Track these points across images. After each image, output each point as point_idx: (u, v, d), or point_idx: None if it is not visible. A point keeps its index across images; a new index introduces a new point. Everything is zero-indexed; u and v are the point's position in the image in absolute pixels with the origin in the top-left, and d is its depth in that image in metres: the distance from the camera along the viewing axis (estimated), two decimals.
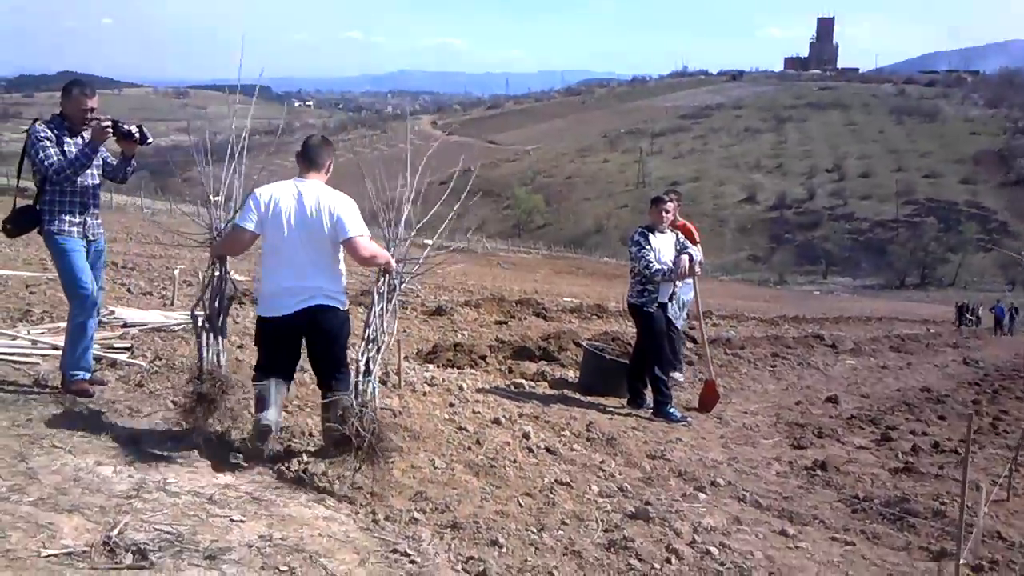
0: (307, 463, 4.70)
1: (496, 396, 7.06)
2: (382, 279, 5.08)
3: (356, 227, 4.79)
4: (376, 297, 5.08)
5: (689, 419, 7.32)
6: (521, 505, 4.62)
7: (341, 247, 4.87)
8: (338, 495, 4.37)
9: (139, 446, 4.53)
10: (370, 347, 4.95)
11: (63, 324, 6.64)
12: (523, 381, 7.82)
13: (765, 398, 9.14)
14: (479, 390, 7.15)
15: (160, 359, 6.63)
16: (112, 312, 8.12)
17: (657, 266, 7.28)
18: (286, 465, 4.67)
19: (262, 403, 4.70)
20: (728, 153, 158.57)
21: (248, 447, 4.83)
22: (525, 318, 14.53)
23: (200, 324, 5.09)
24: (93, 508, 3.67)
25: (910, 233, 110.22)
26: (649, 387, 7.51)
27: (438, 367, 8.02)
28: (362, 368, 4.86)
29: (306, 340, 4.97)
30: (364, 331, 4.99)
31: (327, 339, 4.90)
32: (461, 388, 7.01)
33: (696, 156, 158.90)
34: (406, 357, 8.49)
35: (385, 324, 5.05)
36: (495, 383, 7.68)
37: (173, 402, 5.45)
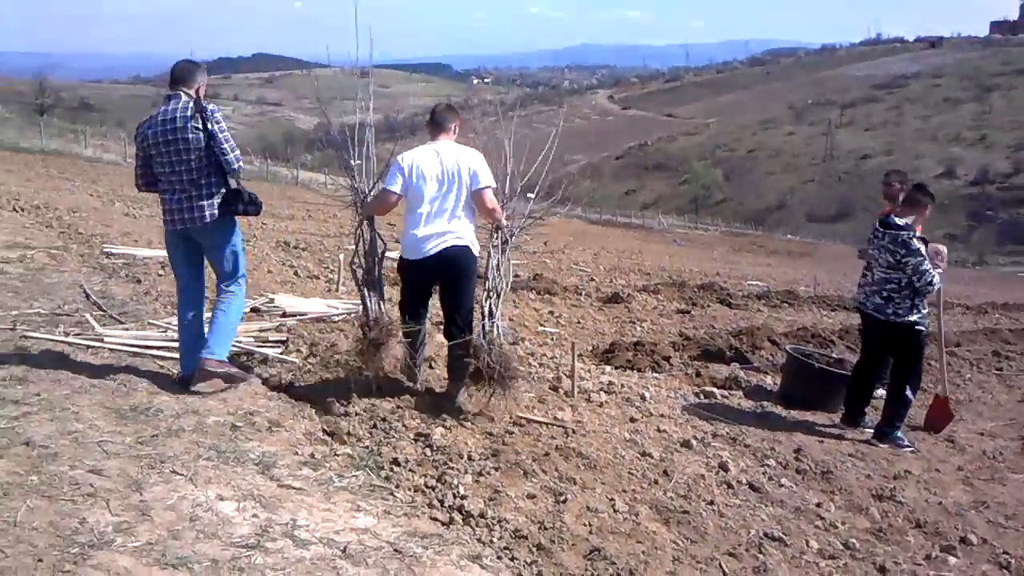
0: (463, 497, 3.96)
1: (684, 409, 6.13)
2: (495, 234, 5.70)
3: (487, 179, 5.39)
4: (492, 250, 5.66)
5: (918, 445, 6.13)
6: (724, 571, 3.69)
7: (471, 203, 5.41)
8: (497, 548, 3.58)
9: (271, 472, 3.90)
10: (491, 294, 5.48)
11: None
12: (714, 389, 6.82)
13: (999, 412, 7.72)
14: (664, 400, 6.24)
15: (315, 355, 6.08)
16: (272, 300, 7.71)
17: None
18: (439, 498, 3.96)
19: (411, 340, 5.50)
20: (925, 125, 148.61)
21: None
22: (709, 305, 13.42)
23: (360, 278, 5.72)
24: (204, 561, 3.04)
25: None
26: (868, 405, 6.43)
27: (616, 368, 7.15)
28: (486, 312, 5.39)
29: (440, 281, 5.51)
30: (485, 282, 5.54)
31: (458, 275, 5.39)
32: (643, 398, 6.12)
33: (889, 128, 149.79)
34: (580, 355, 7.69)
35: (502, 273, 5.60)
36: (682, 391, 6.73)
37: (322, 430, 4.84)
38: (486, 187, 5.35)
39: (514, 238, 5.75)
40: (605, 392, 6.14)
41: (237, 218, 5.35)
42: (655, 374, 7.16)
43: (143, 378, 5.14)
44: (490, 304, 5.41)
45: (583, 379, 6.45)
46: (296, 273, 10.16)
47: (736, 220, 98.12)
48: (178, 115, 5.00)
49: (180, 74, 5.15)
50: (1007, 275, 79.31)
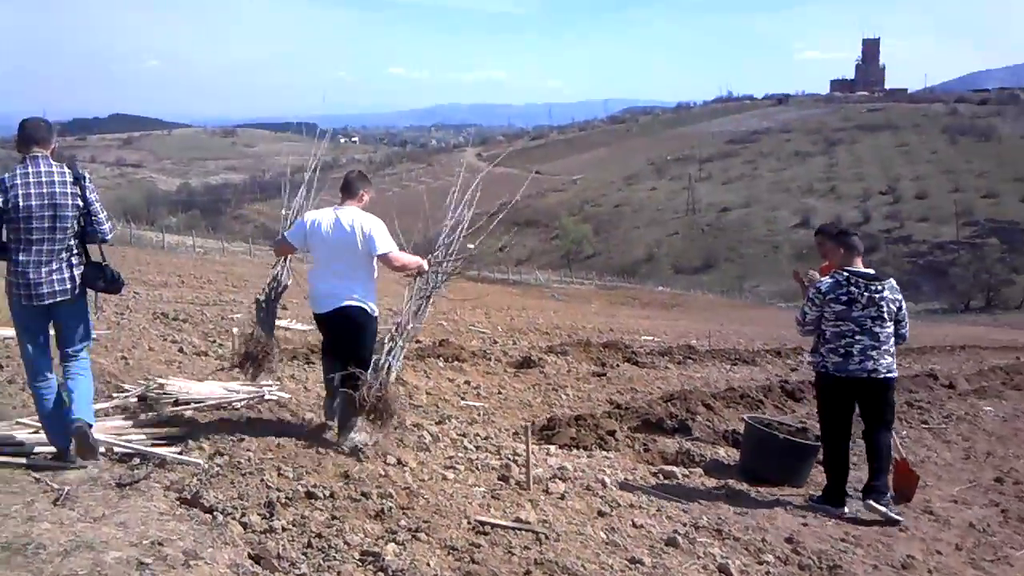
0: None
1: (650, 496, 5.48)
2: (416, 280, 6.17)
3: (385, 244, 5.74)
4: (408, 293, 6.17)
5: (902, 517, 5.67)
6: None
7: (374, 262, 5.82)
8: None
9: None
10: (398, 337, 5.94)
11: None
12: (674, 468, 6.18)
13: (954, 473, 7.36)
14: (625, 486, 5.57)
15: (221, 454, 5.15)
16: (161, 386, 6.69)
17: None
18: None
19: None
20: (779, 178, 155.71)
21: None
22: (618, 365, 12.97)
23: (259, 303, 6.51)
24: None
25: (972, 255, 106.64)
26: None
27: (561, 448, 6.46)
28: (386, 347, 5.85)
29: (338, 335, 5.88)
30: (397, 325, 6.00)
31: (353, 334, 5.75)
32: (603, 484, 5.44)
33: (746, 181, 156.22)
34: (517, 434, 6.97)
35: (418, 319, 6.13)
36: (637, 471, 6.09)
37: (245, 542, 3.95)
38: (385, 252, 5.74)
39: (444, 283, 6.29)
40: (560, 479, 5.44)
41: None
42: (604, 452, 6.50)
43: (15, 497, 4.15)
44: (394, 346, 5.91)
45: (533, 466, 5.74)
46: (181, 350, 9.08)
47: (608, 273, 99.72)
48: (55, 179, 4.70)
49: (37, 133, 4.82)
50: None
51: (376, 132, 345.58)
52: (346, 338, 5.77)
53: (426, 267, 6.07)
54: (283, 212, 6.75)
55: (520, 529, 4.35)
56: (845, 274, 5.85)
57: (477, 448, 6.14)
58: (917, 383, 15.04)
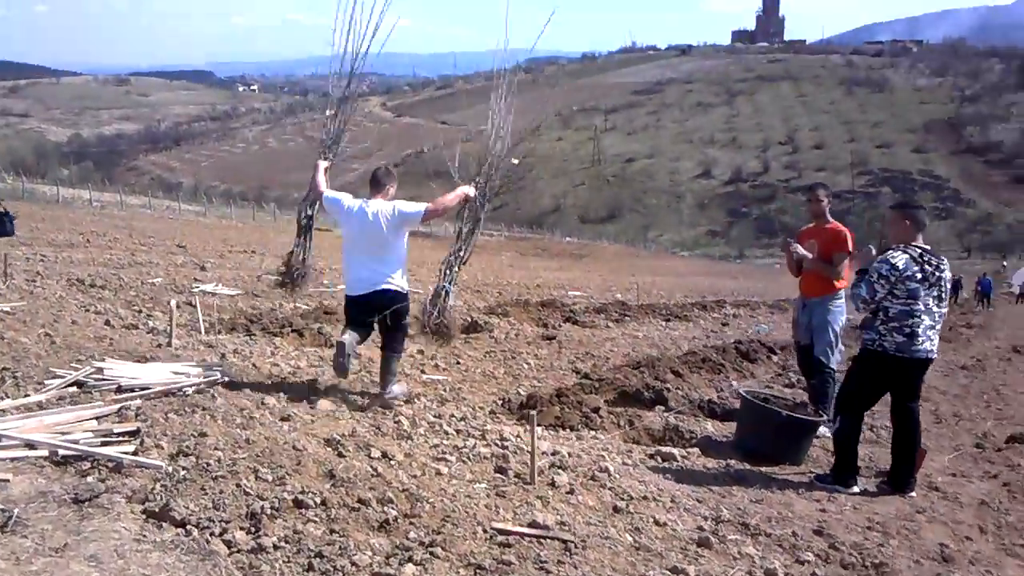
0: None
1: (657, 481, 5.10)
2: (464, 211, 6.65)
3: (416, 206, 6.18)
4: (459, 222, 6.70)
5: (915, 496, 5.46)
6: None
7: (404, 241, 6.30)
8: None
9: None
10: (453, 263, 6.61)
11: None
12: (672, 450, 5.79)
13: (931, 439, 7.14)
14: (628, 473, 5.17)
15: (185, 453, 4.54)
16: (99, 369, 5.98)
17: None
18: None
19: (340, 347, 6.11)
20: (682, 128, 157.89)
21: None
22: (560, 325, 12.67)
23: (299, 224, 7.18)
24: None
25: (866, 203, 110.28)
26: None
27: (547, 429, 6.02)
28: (443, 274, 6.57)
29: (375, 316, 6.20)
30: (450, 249, 6.68)
31: (390, 315, 6.16)
32: (607, 472, 5.02)
33: (650, 132, 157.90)
34: (493, 412, 6.52)
35: (469, 243, 6.70)
36: (634, 454, 5.68)
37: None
38: (423, 210, 6.19)
39: (487, 206, 6.86)
40: (560, 468, 5.00)
41: None
42: (591, 432, 6.09)
43: None
44: (450, 271, 6.62)
45: (523, 450, 5.30)
46: (108, 322, 8.28)
47: (516, 224, 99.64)
48: None
49: None
50: (765, 267, 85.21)
51: (276, 80, 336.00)
52: (383, 321, 6.19)
53: (472, 192, 6.58)
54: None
55: (545, 538, 3.90)
56: (919, 250, 5.46)
57: (458, 433, 5.65)
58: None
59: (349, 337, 6.09)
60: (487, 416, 6.29)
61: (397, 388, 6.33)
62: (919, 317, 5.35)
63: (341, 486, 4.32)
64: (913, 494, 5.47)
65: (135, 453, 4.57)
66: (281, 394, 6.14)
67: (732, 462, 5.77)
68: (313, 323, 9.45)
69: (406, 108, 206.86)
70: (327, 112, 7.53)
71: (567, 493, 4.60)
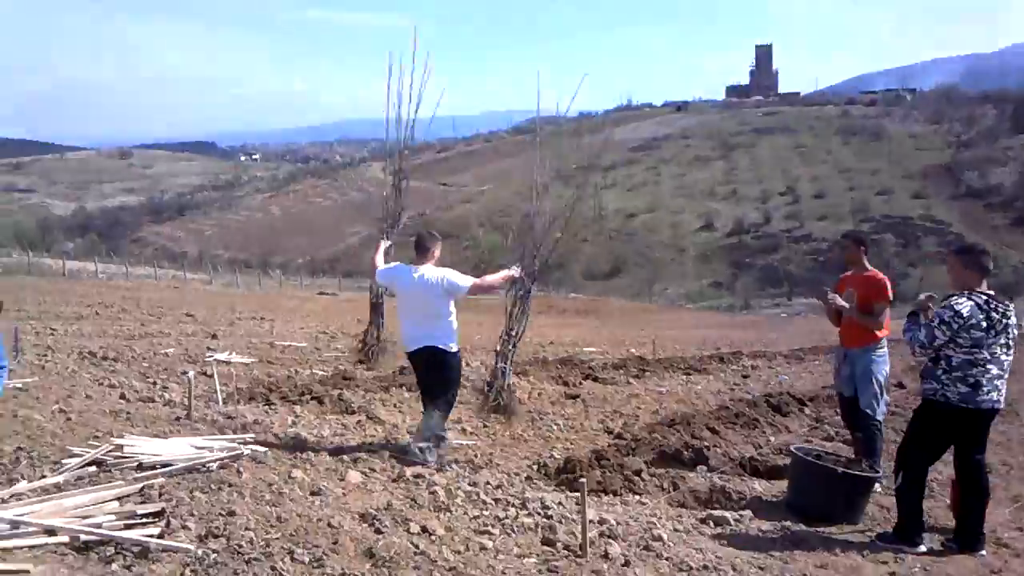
0: None
1: (714, 549, 4.80)
2: (511, 290, 7.32)
3: (465, 280, 6.59)
4: (508, 302, 7.37)
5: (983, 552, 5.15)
6: None
7: (451, 305, 6.60)
8: None
9: None
10: (507, 340, 7.19)
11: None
12: (724, 514, 5.46)
13: (996, 493, 6.89)
14: (681, 540, 4.88)
15: (214, 534, 4.26)
16: (120, 447, 5.72)
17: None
18: None
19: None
20: (681, 182, 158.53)
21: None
22: (581, 383, 12.37)
23: (372, 304, 8.44)
24: None
25: (871, 251, 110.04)
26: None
27: (589, 494, 5.72)
28: (499, 354, 7.17)
29: (424, 370, 6.68)
30: (503, 331, 7.39)
31: (435, 371, 6.59)
32: (660, 540, 4.73)
33: (649, 187, 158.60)
34: (529, 478, 6.22)
35: (521, 321, 7.31)
36: (684, 519, 5.39)
37: None
38: (469, 285, 6.61)
39: (534, 286, 7.59)
40: (610, 537, 4.71)
41: None
42: (635, 496, 5.80)
43: None
44: (505, 351, 7.27)
45: (568, 519, 5.01)
46: (123, 396, 8.04)
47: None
48: None
49: None
50: (772, 316, 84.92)
51: (277, 149, 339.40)
52: (433, 373, 6.66)
53: (516, 273, 7.26)
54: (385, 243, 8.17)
55: None
56: (984, 297, 5.21)
57: (497, 502, 5.37)
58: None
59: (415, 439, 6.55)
60: (524, 483, 6.01)
61: (425, 446, 6.41)
62: (984, 366, 5.08)
63: (383, 566, 4.04)
64: (983, 552, 5.15)
65: (161, 536, 4.29)
66: (308, 466, 5.87)
67: (788, 523, 5.47)
68: (332, 389, 9.19)
69: (407, 172, 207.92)
70: (384, 193, 7.80)
71: (623, 566, 4.31)
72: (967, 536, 5.21)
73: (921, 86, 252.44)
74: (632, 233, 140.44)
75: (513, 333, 7.38)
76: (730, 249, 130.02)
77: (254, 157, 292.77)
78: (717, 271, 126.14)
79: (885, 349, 6.93)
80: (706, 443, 7.46)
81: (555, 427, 8.28)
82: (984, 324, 5.05)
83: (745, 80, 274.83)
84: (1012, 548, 5.33)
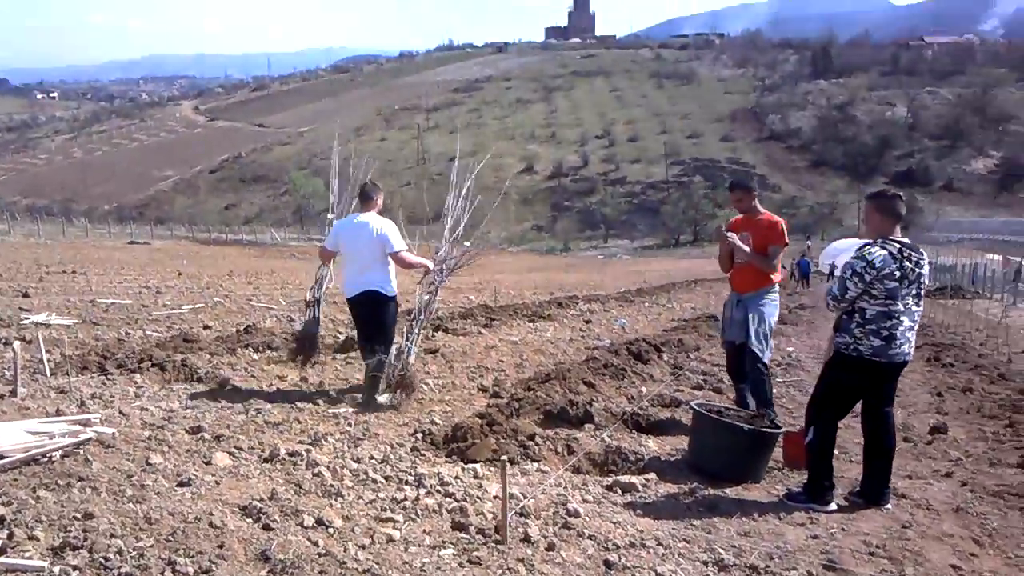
0: None
1: (632, 521, 4.52)
2: (424, 277, 7.77)
3: (398, 243, 7.18)
4: (419, 289, 7.80)
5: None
6: None
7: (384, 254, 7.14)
8: None
9: None
10: (414, 325, 7.57)
11: None
12: (631, 479, 5.18)
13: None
14: (597, 513, 4.58)
15: (73, 546, 3.59)
16: None
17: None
18: None
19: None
20: (503, 125, 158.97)
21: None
22: (433, 334, 11.95)
23: (308, 303, 8.00)
24: None
25: (680, 193, 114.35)
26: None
27: (485, 465, 5.31)
28: (404, 335, 7.41)
29: (363, 315, 7.23)
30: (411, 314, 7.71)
31: (375, 313, 7.14)
32: (577, 515, 4.42)
33: (472, 129, 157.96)
34: (416, 448, 5.75)
35: (428, 309, 7.78)
36: (591, 488, 5.08)
37: None
38: (398, 251, 7.16)
39: (445, 280, 7.93)
40: (524, 517, 4.35)
41: None
42: (534, 463, 5.44)
43: None
44: (411, 333, 7.51)
45: (473, 496, 4.62)
46: None
47: None
48: None
49: None
50: (590, 258, 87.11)
51: (78, 87, 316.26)
52: (371, 316, 7.16)
53: (431, 267, 7.72)
54: (329, 217, 8.45)
55: None
56: (898, 246, 4.99)
57: (388, 480, 4.90)
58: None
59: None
60: (411, 455, 5.53)
61: (382, 398, 6.99)
62: (898, 319, 4.96)
63: (284, 573, 3.51)
64: (889, 506, 5.13)
65: (3, 552, 3.59)
66: (166, 448, 5.20)
67: (695, 486, 5.25)
68: (174, 354, 8.35)
69: (220, 111, 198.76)
70: (329, 215, 8.46)
71: (547, 550, 3.96)
72: (874, 490, 5.16)
73: (730, 31, 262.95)
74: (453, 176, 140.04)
75: (421, 318, 7.72)
76: (549, 192, 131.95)
77: (52, 95, 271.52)
78: (538, 214, 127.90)
79: (777, 293, 6.84)
80: (585, 398, 7.22)
81: (425, 388, 7.80)
82: (898, 274, 4.92)
83: (564, 22, 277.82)
84: (911, 498, 5.34)
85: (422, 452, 5.59)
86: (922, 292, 5.05)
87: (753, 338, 6.66)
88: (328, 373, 8.49)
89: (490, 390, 7.94)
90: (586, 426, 6.50)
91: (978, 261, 42.71)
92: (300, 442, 5.64)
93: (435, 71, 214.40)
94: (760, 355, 6.64)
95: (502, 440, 5.62)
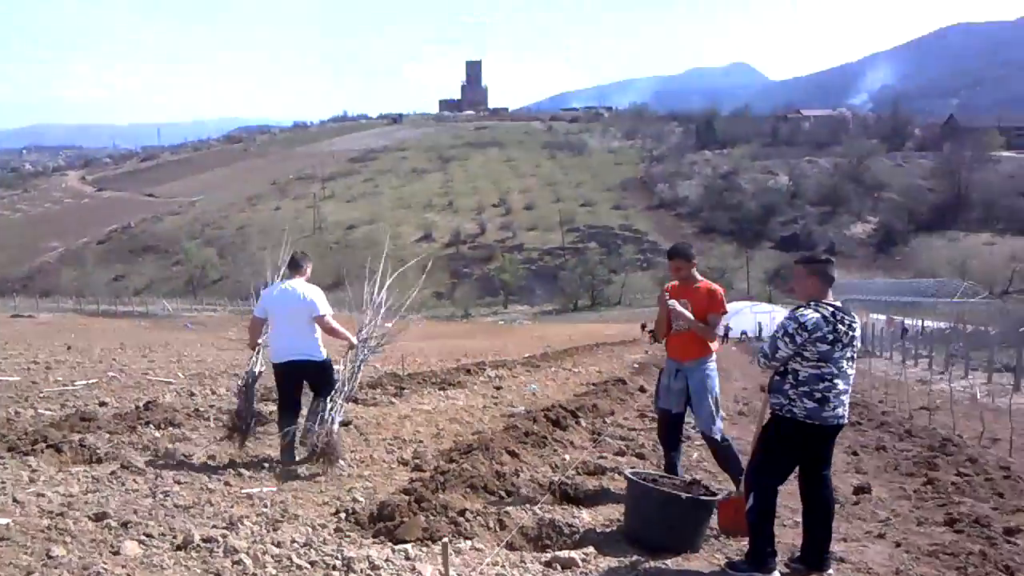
0: None
1: None
2: (349, 352, 7.88)
3: (324, 308, 7.41)
4: (344, 361, 7.87)
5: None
6: None
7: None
8: None
9: None
10: (337, 393, 7.53)
11: None
12: (571, 554, 4.92)
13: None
14: None
15: None
16: None
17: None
18: None
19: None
20: (400, 194, 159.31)
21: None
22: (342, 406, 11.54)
23: (241, 389, 7.90)
24: None
25: (576, 259, 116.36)
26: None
27: (416, 545, 5.02)
28: (328, 405, 7.36)
29: (292, 379, 7.51)
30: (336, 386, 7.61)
31: (313, 378, 7.53)
32: None
33: (369, 199, 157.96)
34: (339, 529, 5.43)
35: (347, 379, 7.75)
36: (529, 566, 4.82)
37: None
38: (322, 315, 7.35)
39: (371, 354, 8.16)
40: None
41: None
42: (468, 541, 5.18)
43: None
44: (335, 404, 7.41)
45: None
46: None
47: (239, 297, 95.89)
48: None
49: None
50: (491, 324, 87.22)
51: None
52: (302, 381, 7.56)
53: (355, 342, 7.83)
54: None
55: None
56: (831, 309, 4.97)
57: (314, 565, 4.57)
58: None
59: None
60: (335, 536, 5.21)
61: (317, 430, 7.18)
62: (831, 381, 4.92)
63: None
64: (831, 571, 5.04)
65: None
66: (69, 539, 4.77)
67: (636, 558, 5.06)
68: (71, 434, 7.79)
69: (108, 181, 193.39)
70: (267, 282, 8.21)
71: None
72: (816, 555, 5.08)
73: (616, 105, 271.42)
74: (352, 245, 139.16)
75: (346, 389, 7.73)
76: (448, 260, 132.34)
77: None
78: (437, 281, 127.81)
79: (715, 363, 6.73)
80: (509, 468, 7.01)
81: (342, 463, 7.46)
82: (830, 337, 4.91)
83: (457, 95, 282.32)
84: (850, 562, 5.27)
85: (347, 533, 5.27)
86: (855, 355, 5.06)
87: (700, 418, 6.57)
88: (232, 450, 8.07)
89: (411, 463, 7.65)
90: (514, 498, 6.28)
91: (864, 321, 44.43)
92: (215, 526, 5.26)
93: (330, 141, 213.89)
94: (711, 434, 6.54)
95: (432, 517, 5.33)
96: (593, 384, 17.41)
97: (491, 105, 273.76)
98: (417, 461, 7.71)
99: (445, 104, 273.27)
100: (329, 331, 7.43)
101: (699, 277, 6.74)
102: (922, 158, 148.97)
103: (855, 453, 9.68)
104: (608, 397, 13.80)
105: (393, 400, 12.64)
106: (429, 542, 5.06)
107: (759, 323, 64.43)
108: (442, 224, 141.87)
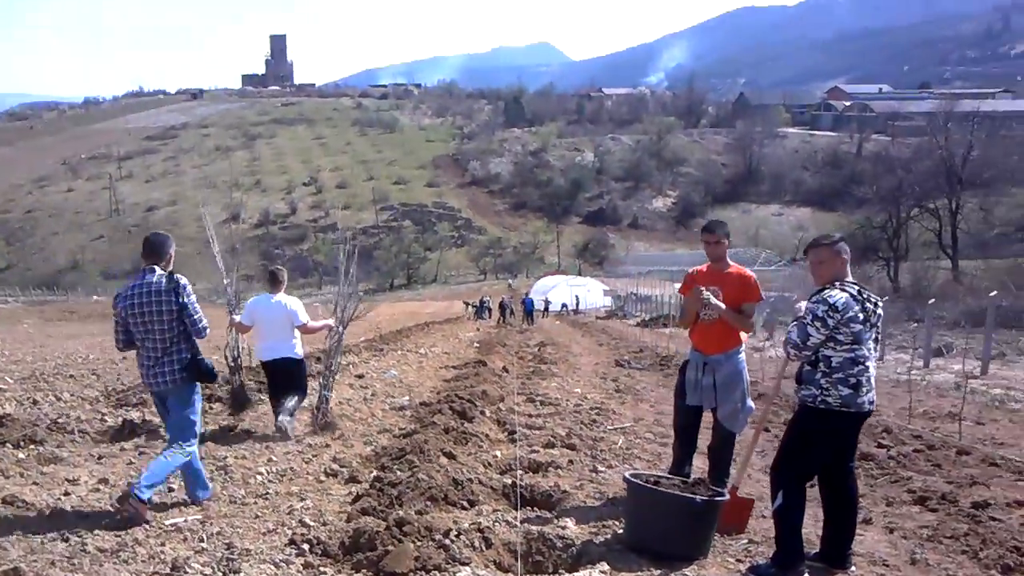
0: None
1: None
2: (329, 333, 9.65)
3: (303, 317, 8.95)
4: (328, 343, 9.82)
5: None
6: None
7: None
8: None
9: None
10: (327, 375, 9.35)
11: None
12: (591, 572, 4.46)
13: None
14: None
15: None
16: None
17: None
18: None
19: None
20: (203, 173, 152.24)
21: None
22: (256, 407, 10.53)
23: (230, 367, 9.79)
24: None
25: (391, 237, 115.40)
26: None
27: None
28: (321, 384, 9.29)
29: (279, 374, 8.95)
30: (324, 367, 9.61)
31: (290, 373, 8.95)
32: None
33: (170, 178, 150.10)
34: (306, 564, 4.71)
35: (335, 359, 9.55)
36: None
37: None
38: (303, 323, 8.94)
39: (344, 332, 9.59)
40: None
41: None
42: (467, 568, 4.53)
43: None
44: (327, 381, 9.29)
45: None
46: None
47: (31, 287, 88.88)
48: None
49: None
50: (307, 305, 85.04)
51: None
52: (287, 375, 8.87)
53: (333, 324, 9.46)
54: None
55: None
56: (856, 287, 4.65)
57: None
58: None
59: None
60: (307, 574, 4.50)
61: (286, 420, 8.53)
62: (863, 364, 4.64)
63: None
64: (854, 568, 4.81)
65: None
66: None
67: (659, 571, 4.65)
68: None
69: None
70: (224, 281, 9.73)
71: None
72: (839, 553, 4.82)
73: (425, 82, 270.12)
74: (154, 227, 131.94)
75: (332, 367, 9.40)
76: (258, 241, 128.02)
77: None
78: (247, 264, 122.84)
79: (744, 353, 6.26)
80: (456, 472, 6.41)
81: (258, 477, 6.61)
82: (861, 316, 4.63)
83: (261, 69, 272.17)
84: (858, 554, 5.04)
85: (320, 569, 4.54)
86: (879, 336, 4.82)
87: (723, 412, 6.09)
88: (119, 467, 7.07)
89: (340, 473, 6.88)
90: (475, 508, 5.70)
91: (670, 293, 46.14)
92: (157, 573, 4.43)
93: (125, 118, 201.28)
94: (732, 430, 6.12)
95: (419, 543, 4.68)
96: (454, 368, 16.92)
97: (297, 81, 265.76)
98: (345, 470, 6.97)
99: (249, 79, 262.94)
100: (311, 332, 9.27)
101: (730, 261, 6.22)
102: (716, 134, 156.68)
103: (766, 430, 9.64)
104: (485, 382, 13.33)
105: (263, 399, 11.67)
106: (422, 572, 4.43)
107: (576, 296, 66.10)
108: (250, 204, 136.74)
